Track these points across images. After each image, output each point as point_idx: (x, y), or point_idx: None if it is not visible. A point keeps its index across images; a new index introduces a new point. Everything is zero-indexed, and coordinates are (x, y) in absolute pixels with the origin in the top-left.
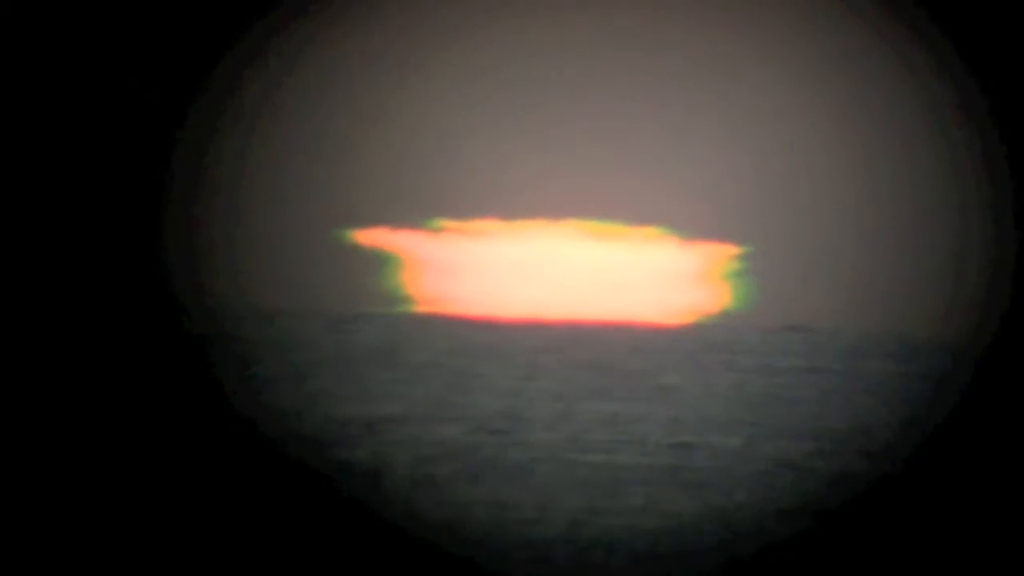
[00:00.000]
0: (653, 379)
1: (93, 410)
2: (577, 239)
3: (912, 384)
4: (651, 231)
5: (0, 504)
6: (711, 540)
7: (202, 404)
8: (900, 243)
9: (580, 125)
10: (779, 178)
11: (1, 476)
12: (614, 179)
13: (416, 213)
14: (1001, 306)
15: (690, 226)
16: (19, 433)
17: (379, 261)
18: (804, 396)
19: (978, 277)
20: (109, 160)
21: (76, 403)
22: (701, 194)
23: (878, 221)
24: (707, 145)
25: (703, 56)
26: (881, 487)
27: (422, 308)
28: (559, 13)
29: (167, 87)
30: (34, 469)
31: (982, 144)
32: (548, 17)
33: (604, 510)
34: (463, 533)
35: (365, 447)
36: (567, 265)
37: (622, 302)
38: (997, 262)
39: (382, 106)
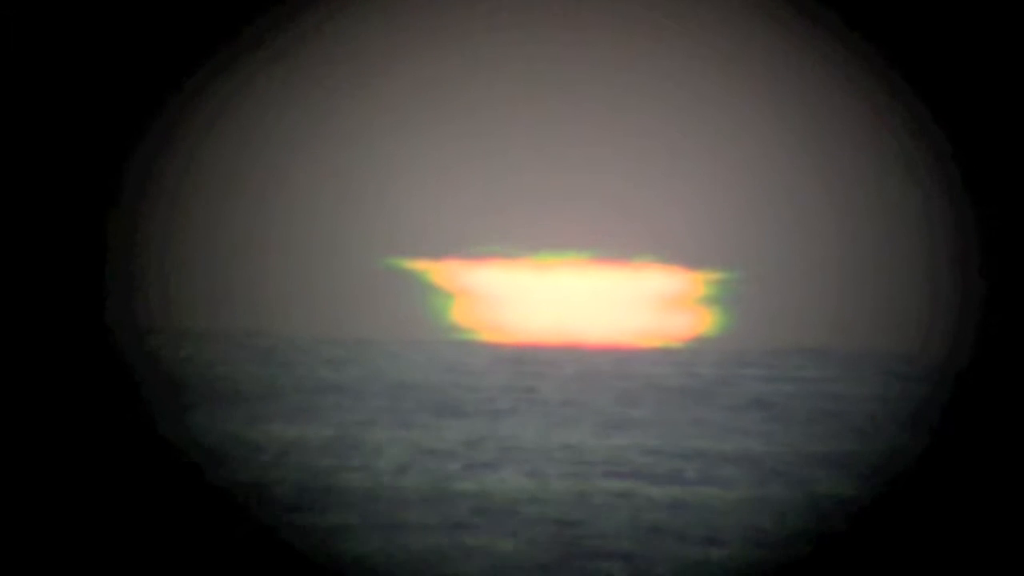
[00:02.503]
0: (648, 403)
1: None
2: (575, 270)
3: (905, 403)
4: (642, 259)
5: None
6: (712, 569)
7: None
8: (882, 264)
9: (578, 163)
10: (766, 205)
11: None
12: (607, 212)
13: (423, 245)
14: (976, 324)
15: (679, 252)
16: None
17: (394, 288)
18: (799, 418)
19: (954, 297)
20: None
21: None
22: (691, 221)
23: (862, 244)
24: (695, 175)
25: (691, 90)
26: (879, 510)
27: (428, 335)
28: (559, 55)
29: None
30: None
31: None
32: (552, 69)
33: (605, 535)
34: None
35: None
36: (566, 294)
37: (614, 328)
38: (967, 281)
39: (390, 148)
